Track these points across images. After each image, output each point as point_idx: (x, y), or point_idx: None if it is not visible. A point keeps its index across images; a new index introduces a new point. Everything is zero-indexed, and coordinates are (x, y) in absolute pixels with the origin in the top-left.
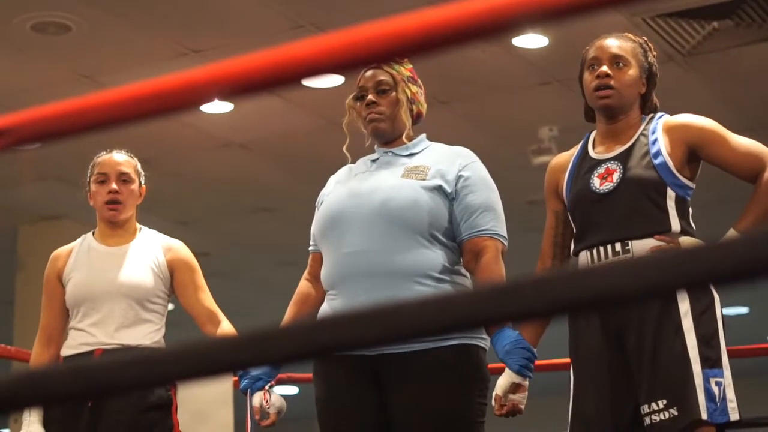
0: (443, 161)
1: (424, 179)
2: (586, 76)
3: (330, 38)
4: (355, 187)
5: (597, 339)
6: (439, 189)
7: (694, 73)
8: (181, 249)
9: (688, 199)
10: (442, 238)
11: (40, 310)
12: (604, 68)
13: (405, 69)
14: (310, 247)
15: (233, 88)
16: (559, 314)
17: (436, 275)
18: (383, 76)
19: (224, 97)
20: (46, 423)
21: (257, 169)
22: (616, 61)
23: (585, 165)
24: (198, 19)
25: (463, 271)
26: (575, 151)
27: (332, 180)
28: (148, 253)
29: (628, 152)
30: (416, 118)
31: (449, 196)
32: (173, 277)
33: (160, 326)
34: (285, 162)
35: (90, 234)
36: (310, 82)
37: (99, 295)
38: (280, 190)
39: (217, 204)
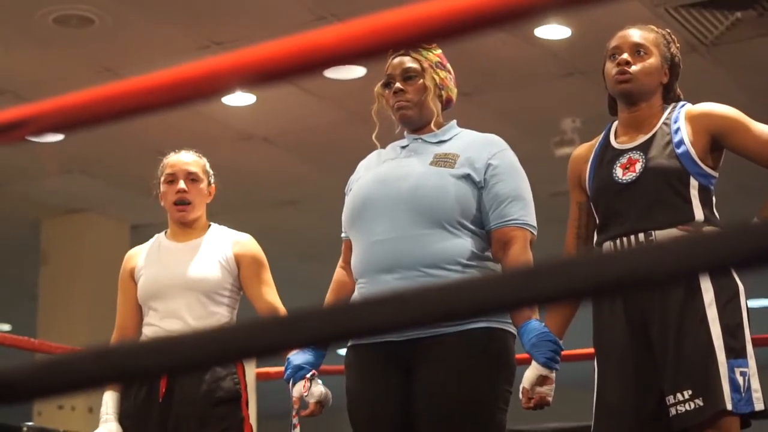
0: (473, 149)
1: (453, 167)
2: (607, 64)
3: (352, 26)
4: (383, 173)
5: (621, 329)
6: (467, 177)
7: (717, 64)
8: (248, 243)
9: (712, 188)
10: (471, 226)
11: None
12: (625, 56)
13: (434, 55)
14: (342, 234)
15: (255, 77)
16: (583, 297)
17: (465, 262)
18: (410, 63)
19: (246, 85)
20: (119, 418)
21: (280, 161)
22: (636, 49)
23: (607, 155)
24: (220, 11)
25: (492, 258)
26: (597, 141)
27: (361, 166)
28: (217, 248)
29: (650, 141)
30: (446, 104)
31: (478, 185)
32: (240, 270)
33: (230, 318)
34: (308, 155)
35: (162, 233)
36: (332, 74)
37: (167, 289)
38: (303, 182)
39: (240, 197)
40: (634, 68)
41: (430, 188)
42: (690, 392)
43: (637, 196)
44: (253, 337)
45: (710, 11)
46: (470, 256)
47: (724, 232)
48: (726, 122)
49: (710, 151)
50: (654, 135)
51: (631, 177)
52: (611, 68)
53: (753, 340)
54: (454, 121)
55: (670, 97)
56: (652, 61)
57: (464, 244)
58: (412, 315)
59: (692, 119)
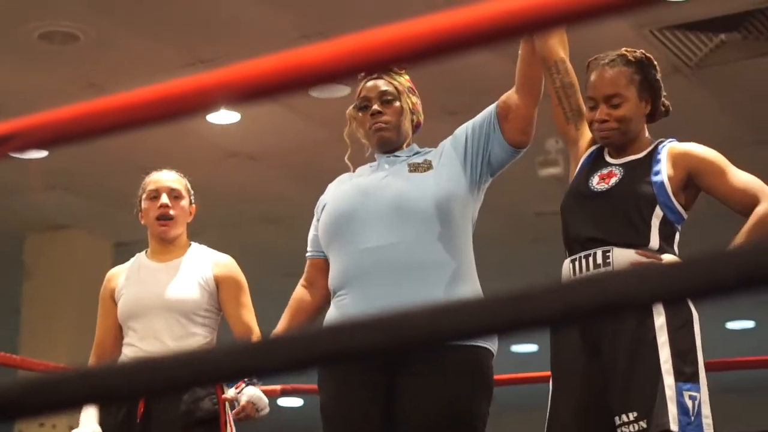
0: (438, 149)
1: (430, 168)
2: (587, 113)
3: (338, 44)
4: (362, 184)
5: (576, 351)
6: (447, 167)
7: (701, 86)
8: (228, 264)
9: (677, 226)
10: (465, 225)
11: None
12: (599, 113)
13: (405, 80)
14: (308, 253)
15: (240, 94)
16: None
17: (458, 265)
18: (386, 87)
19: (231, 103)
20: None
21: (264, 179)
22: (610, 101)
23: (597, 163)
24: (206, 28)
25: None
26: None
27: (331, 186)
28: (197, 268)
29: (633, 164)
30: (415, 128)
31: (462, 159)
32: (219, 292)
33: (210, 339)
34: (292, 173)
35: (143, 253)
36: (317, 92)
37: (146, 309)
38: (288, 201)
39: (224, 214)
40: (612, 124)
41: (415, 192)
42: (635, 414)
43: (600, 207)
44: (234, 359)
45: (695, 33)
46: (465, 258)
47: (692, 259)
48: (703, 164)
49: (684, 188)
50: (639, 159)
51: (602, 188)
52: (590, 118)
53: (736, 363)
54: (415, 144)
55: (657, 114)
56: (629, 106)
57: (457, 245)
58: (389, 339)
59: (674, 156)
